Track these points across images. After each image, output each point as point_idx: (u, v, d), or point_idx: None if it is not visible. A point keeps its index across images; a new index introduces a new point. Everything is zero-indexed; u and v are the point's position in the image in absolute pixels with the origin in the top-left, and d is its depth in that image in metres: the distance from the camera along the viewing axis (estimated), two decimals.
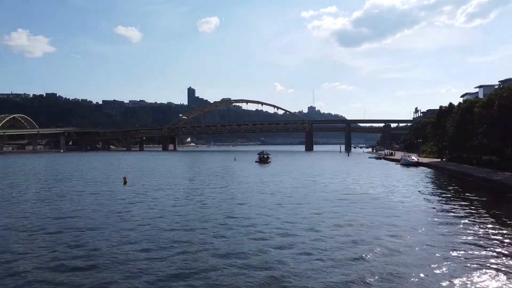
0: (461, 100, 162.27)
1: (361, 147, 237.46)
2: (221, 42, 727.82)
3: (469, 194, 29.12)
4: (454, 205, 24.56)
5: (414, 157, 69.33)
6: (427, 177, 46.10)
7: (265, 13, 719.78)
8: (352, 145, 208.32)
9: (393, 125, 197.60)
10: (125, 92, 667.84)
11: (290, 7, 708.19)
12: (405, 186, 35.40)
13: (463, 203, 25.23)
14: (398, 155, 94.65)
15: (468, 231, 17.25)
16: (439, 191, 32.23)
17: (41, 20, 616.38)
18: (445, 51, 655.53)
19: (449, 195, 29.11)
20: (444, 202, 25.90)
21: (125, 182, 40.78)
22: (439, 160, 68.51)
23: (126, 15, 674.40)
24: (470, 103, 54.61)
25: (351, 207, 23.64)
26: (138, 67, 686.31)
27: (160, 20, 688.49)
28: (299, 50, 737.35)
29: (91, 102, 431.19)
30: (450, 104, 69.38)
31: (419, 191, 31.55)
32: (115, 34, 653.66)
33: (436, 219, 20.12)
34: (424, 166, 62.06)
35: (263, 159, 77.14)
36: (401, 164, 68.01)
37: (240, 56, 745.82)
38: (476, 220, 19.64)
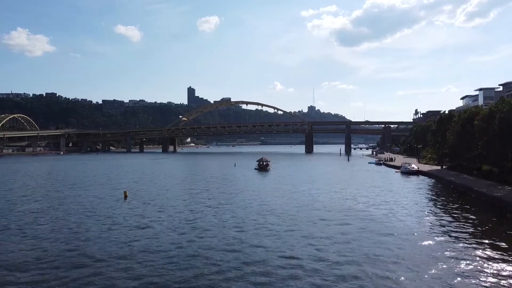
0: (461, 102, 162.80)
1: (361, 148, 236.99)
2: (221, 41, 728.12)
3: (470, 216, 29.13)
4: (455, 231, 24.53)
5: (414, 165, 69.29)
6: (428, 190, 46.08)
7: (265, 12, 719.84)
8: (352, 144, 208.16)
9: (393, 125, 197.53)
10: (125, 91, 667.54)
11: (290, 6, 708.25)
12: (405, 205, 35.04)
13: (463, 228, 25.24)
14: (399, 159, 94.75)
15: (469, 269, 17.21)
16: (440, 211, 32.15)
17: (40, 19, 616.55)
18: (445, 51, 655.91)
19: (450, 218, 29.07)
20: (445, 227, 25.89)
21: (125, 197, 40.82)
22: (439, 167, 68.49)
23: (125, 14, 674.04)
24: (471, 113, 54.49)
25: (349, 239, 23.50)
26: (138, 66, 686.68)
27: (160, 19, 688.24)
28: (299, 49, 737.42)
29: (91, 101, 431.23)
30: (450, 112, 69.48)
31: (419, 213, 31.26)
32: (115, 33, 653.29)
33: (435, 252, 20.08)
34: (424, 175, 61.99)
35: (262, 166, 77.18)
36: (401, 172, 67.93)
37: (240, 55, 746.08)
38: (478, 254, 19.60)
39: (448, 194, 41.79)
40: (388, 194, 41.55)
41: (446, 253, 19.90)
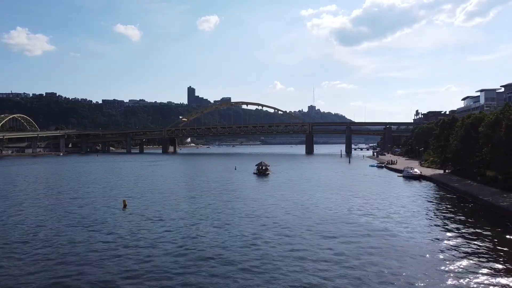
0: (462, 103, 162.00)
1: (361, 149, 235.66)
2: (220, 41, 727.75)
3: (477, 230, 28.49)
4: (461, 248, 23.88)
5: (416, 169, 68.40)
6: (432, 199, 45.19)
7: (265, 11, 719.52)
8: (352, 144, 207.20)
9: (394, 126, 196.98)
10: (125, 91, 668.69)
11: (290, 6, 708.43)
12: (408, 216, 34.36)
13: (471, 246, 24.58)
14: (400, 162, 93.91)
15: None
16: (444, 223, 31.46)
17: (40, 18, 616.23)
18: (445, 50, 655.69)
19: (454, 233, 28.43)
20: (450, 244, 25.23)
21: (124, 206, 40.13)
22: (442, 171, 67.68)
23: (125, 14, 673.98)
24: (475, 119, 53.72)
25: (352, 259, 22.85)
26: (138, 66, 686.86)
27: (160, 18, 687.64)
28: (299, 49, 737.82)
29: (91, 101, 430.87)
30: (453, 115, 68.66)
31: (425, 229, 30.19)
32: (115, 32, 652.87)
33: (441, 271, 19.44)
34: (427, 180, 61.18)
35: (261, 171, 76.53)
36: (403, 176, 67.14)
37: (239, 55, 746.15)
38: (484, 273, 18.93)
39: (452, 204, 40.74)
40: (391, 205, 40.02)
41: (452, 272, 19.27)
